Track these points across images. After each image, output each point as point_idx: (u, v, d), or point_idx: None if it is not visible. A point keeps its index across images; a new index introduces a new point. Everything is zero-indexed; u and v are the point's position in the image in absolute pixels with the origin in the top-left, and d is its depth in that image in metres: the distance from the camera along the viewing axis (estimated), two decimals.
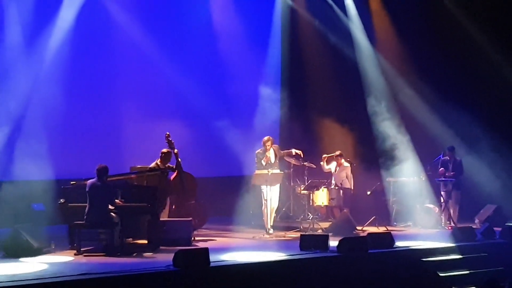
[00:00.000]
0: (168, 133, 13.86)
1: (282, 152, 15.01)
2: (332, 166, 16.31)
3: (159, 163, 13.76)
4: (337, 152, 16.22)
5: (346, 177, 16.04)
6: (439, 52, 18.14)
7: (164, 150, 13.84)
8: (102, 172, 11.73)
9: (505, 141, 17.23)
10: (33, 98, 14.91)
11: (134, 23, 16.39)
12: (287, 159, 15.66)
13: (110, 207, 11.75)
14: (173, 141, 13.78)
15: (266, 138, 14.68)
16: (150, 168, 13.70)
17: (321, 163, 16.25)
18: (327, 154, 16.38)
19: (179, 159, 13.85)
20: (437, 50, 18.14)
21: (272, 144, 14.66)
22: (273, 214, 14.69)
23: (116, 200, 11.96)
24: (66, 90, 15.35)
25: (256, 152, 14.66)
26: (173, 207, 13.84)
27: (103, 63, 16.26)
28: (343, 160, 16.15)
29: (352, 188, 16.03)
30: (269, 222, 14.39)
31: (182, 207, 13.87)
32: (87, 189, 11.68)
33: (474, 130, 17.23)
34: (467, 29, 17.88)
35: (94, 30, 16.10)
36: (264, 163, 14.43)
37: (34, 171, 13.82)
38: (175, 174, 13.99)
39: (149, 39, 16.60)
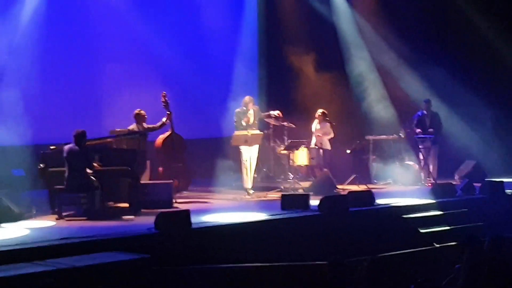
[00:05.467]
0: (164, 92, 13.83)
1: (262, 114, 15.00)
2: (313, 124, 16.32)
3: (136, 125, 13.69)
4: (321, 111, 16.20)
5: (327, 134, 16.03)
6: (416, 10, 18.14)
7: (136, 111, 13.77)
8: (80, 137, 11.66)
9: (482, 96, 17.31)
10: (10, 62, 14.75)
11: None
12: (266, 120, 15.64)
13: (88, 171, 11.71)
14: (169, 102, 13.74)
15: (247, 98, 14.62)
16: (129, 130, 13.64)
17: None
18: (307, 113, 16.46)
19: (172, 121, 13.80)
20: (414, 7, 18.13)
21: (253, 104, 14.64)
22: (253, 174, 14.71)
23: (94, 164, 11.91)
24: (44, 54, 15.23)
25: (236, 110, 14.60)
26: (161, 168, 13.81)
27: (82, 26, 16.09)
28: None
29: (330, 148, 16.11)
30: (250, 183, 14.42)
31: (170, 168, 13.86)
32: (64, 155, 11.60)
33: (451, 86, 17.33)
34: None
35: None
36: (244, 124, 14.40)
37: (13, 137, 13.72)
38: (167, 134, 13.96)
39: (126, 3, 16.44)
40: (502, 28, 17.68)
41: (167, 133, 14.10)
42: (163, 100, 13.79)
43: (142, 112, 13.80)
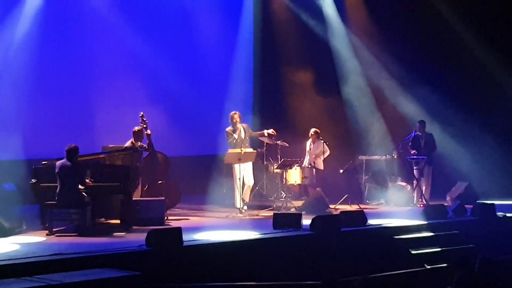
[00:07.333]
0: (142, 112, 13.79)
1: (253, 133, 15.06)
2: (307, 143, 16.35)
3: (133, 142, 13.70)
4: (313, 130, 16.23)
5: (322, 153, 16.02)
6: (409, 30, 18.26)
7: (136, 128, 13.78)
8: (72, 153, 11.64)
9: (476, 118, 17.37)
10: (3, 77, 14.78)
11: (106, 2, 16.24)
12: (260, 138, 15.67)
13: (80, 187, 11.68)
14: (147, 121, 13.73)
15: (232, 113, 14.72)
16: (124, 147, 13.63)
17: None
18: (301, 132, 16.51)
19: (151, 140, 13.79)
20: (408, 28, 18.25)
21: (239, 118, 14.65)
22: (249, 192, 14.72)
23: (86, 180, 11.89)
24: (37, 69, 15.25)
25: (226, 130, 14.66)
26: (146, 187, 13.79)
27: (75, 42, 16.11)
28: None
29: (323, 168, 16.12)
30: (245, 200, 14.45)
31: (154, 186, 13.83)
32: (56, 170, 11.58)
33: (444, 108, 17.35)
34: (438, 7, 17.96)
35: (66, 8, 16.01)
36: (236, 137, 14.42)
37: (5, 151, 13.73)
38: (146, 154, 13.95)
39: (121, 18, 16.46)
40: (498, 52, 17.74)
41: (147, 152, 14.06)
42: (141, 120, 13.76)
43: (140, 129, 13.78)
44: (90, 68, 16.25)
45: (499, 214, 13.96)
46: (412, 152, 15.91)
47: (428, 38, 18.18)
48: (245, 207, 14.41)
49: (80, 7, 16.11)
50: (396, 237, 12.33)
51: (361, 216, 12.64)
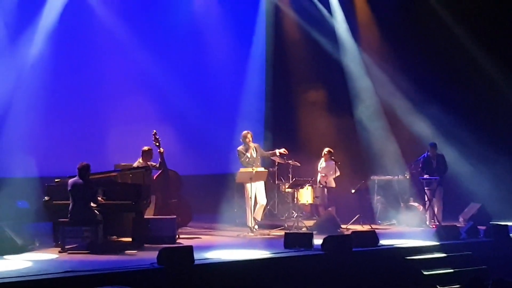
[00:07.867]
0: (155, 130, 13.84)
1: (265, 152, 15.04)
2: (320, 162, 16.34)
3: (141, 161, 13.77)
4: (327, 149, 16.22)
5: (334, 173, 16.00)
6: (422, 50, 18.25)
7: (145, 148, 13.86)
8: (84, 170, 11.72)
9: (489, 139, 17.30)
10: (17, 96, 14.89)
11: (118, 22, 16.40)
12: (272, 158, 15.67)
13: (92, 204, 11.72)
14: (160, 139, 13.77)
15: (245, 132, 14.64)
16: (134, 166, 13.70)
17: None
18: (313, 152, 16.50)
19: (163, 158, 13.83)
20: (420, 47, 18.24)
21: (252, 137, 14.62)
22: (261, 211, 14.69)
23: (98, 198, 11.93)
24: (50, 88, 15.37)
25: (238, 149, 14.60)
26: (157, 205, 13.80)
27: (87, 61, 16.23)
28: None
29: (335, 185, 16.09)
30: (257, 218, 14.40)
31: (166, 205, 13.84)
32: (69, 188, 11.66)
33: (458, 129, 17.30)
34: (450, 27, 17.98)
35: (78, 27, 16.13)
36: (249, 155, 14.41)
37: (18, 169, 13.79)
38: (159, 172, 13.98)
39: (133, 38, 16.60)
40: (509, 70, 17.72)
41: (160, 171, 14.09)
42: (154, 138, 13.82)
43: (149, 149, 13.85)
44: (103, 87, 16.35)
45: None
46: (424, 177, 15.86)
47: (441, 58, 18.14)
48: (256, 226, 14.39)
49: (93, 27, 16.24)
50: (408, 257, 12.27)
51: (372, 236, 12.59)
